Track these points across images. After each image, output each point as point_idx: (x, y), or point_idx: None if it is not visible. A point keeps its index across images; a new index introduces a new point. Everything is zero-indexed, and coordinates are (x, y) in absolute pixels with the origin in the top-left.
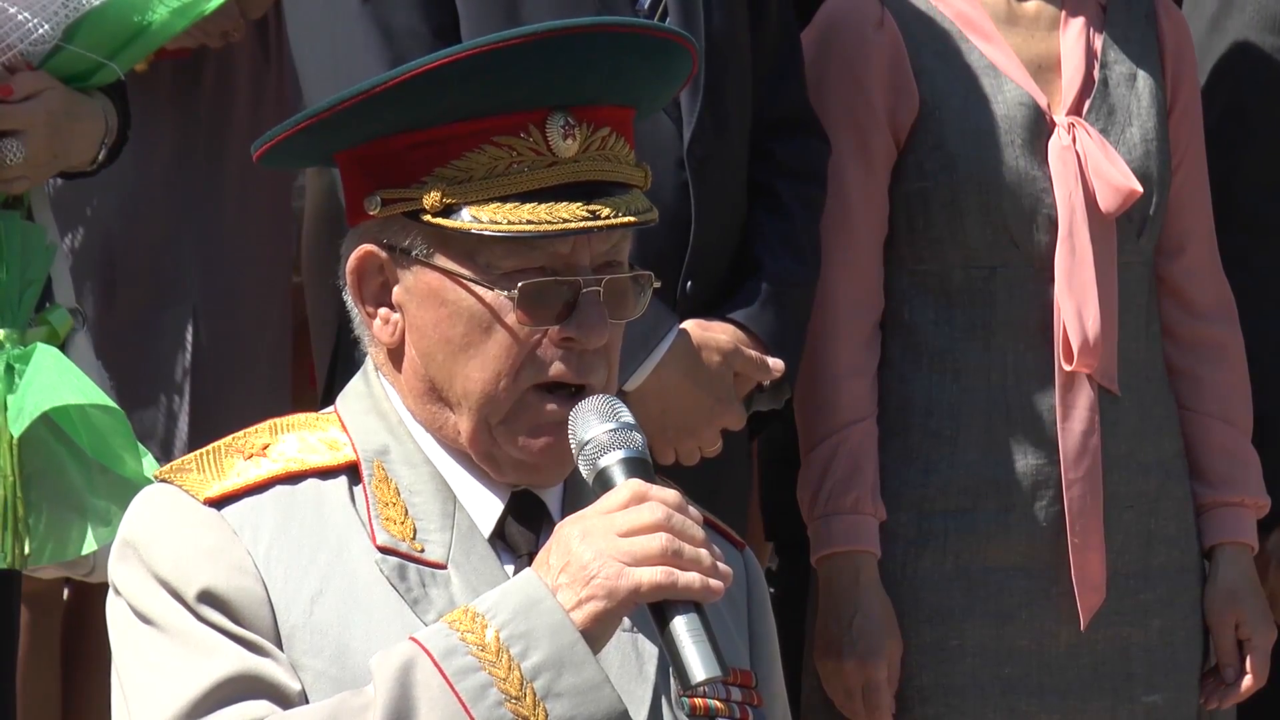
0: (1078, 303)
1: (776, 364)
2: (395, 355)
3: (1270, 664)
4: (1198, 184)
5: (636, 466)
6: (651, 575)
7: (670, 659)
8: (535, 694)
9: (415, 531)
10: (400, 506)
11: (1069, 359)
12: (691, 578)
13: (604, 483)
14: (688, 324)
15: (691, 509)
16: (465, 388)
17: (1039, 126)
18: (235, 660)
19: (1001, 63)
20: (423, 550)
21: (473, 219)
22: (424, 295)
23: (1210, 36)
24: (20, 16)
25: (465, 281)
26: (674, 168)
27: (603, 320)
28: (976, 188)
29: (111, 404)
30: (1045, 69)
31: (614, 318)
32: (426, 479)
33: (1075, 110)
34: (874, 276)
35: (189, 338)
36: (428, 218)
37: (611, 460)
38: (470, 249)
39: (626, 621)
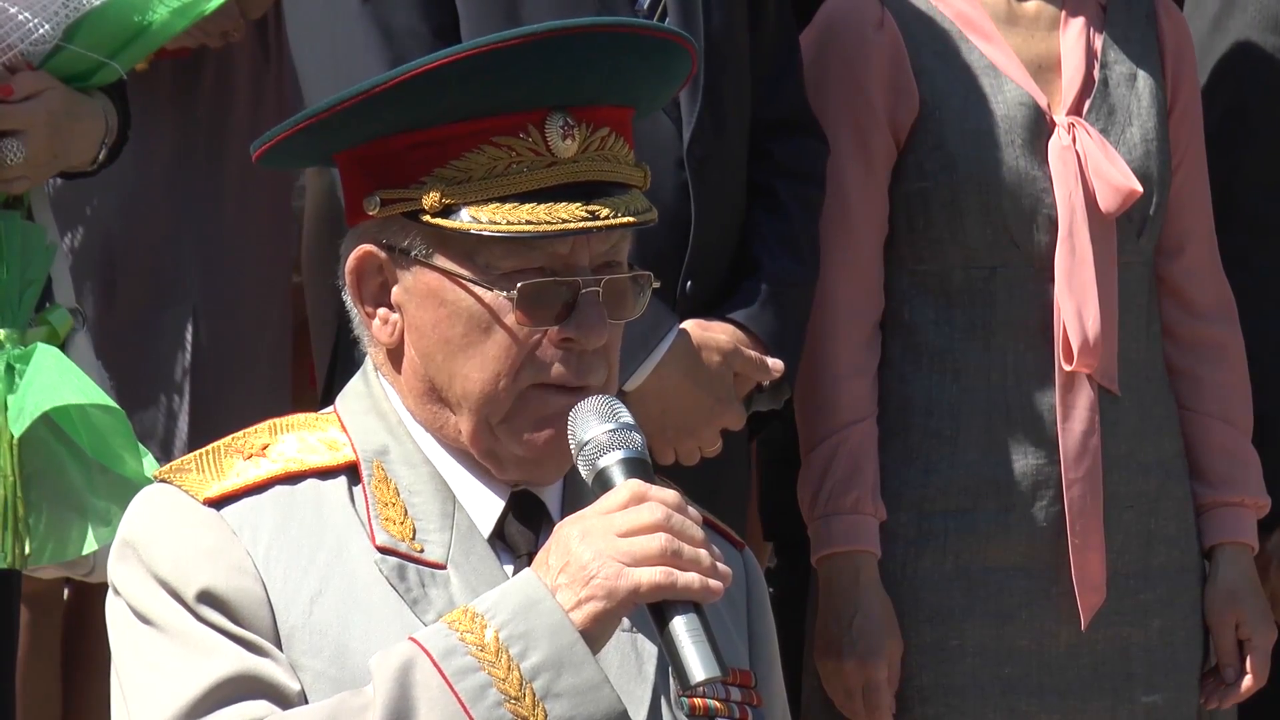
0: (1078, 303)
1: (776, 364)
2: (394, 355)
3: (1270, 664)
4: (1198, 184)
5: (636, 467)
6: (651, 575)
7: (669, 659)
8: (534, 694)
9: (415, 532)
10: (400, 507)
11: (1069, 359)
12: (691, 578)
13: (603, 483)
14: (688, 324)
15: (691, 509)
16: (465, 388)
17: (1039, 126)
18: (234, 660)
19: (1001, 63)
20: (422, 550)
21: (472, 219)
22: (423, 295)
23: (1212, 36)
24: (21, 16)
25: (464, 282)
26: (674, 168)
27: (602, 321)
28: (976, 188)
29: (112, 404)
30: (1045, 69)
31: (613, 318)
32: (426, 479)
33: (1075, 110)
34: (874, 276)
35: (189, 338)
36: (427, 218)
37: (611, 460)
38: (469, 249)
39: (626, 622)
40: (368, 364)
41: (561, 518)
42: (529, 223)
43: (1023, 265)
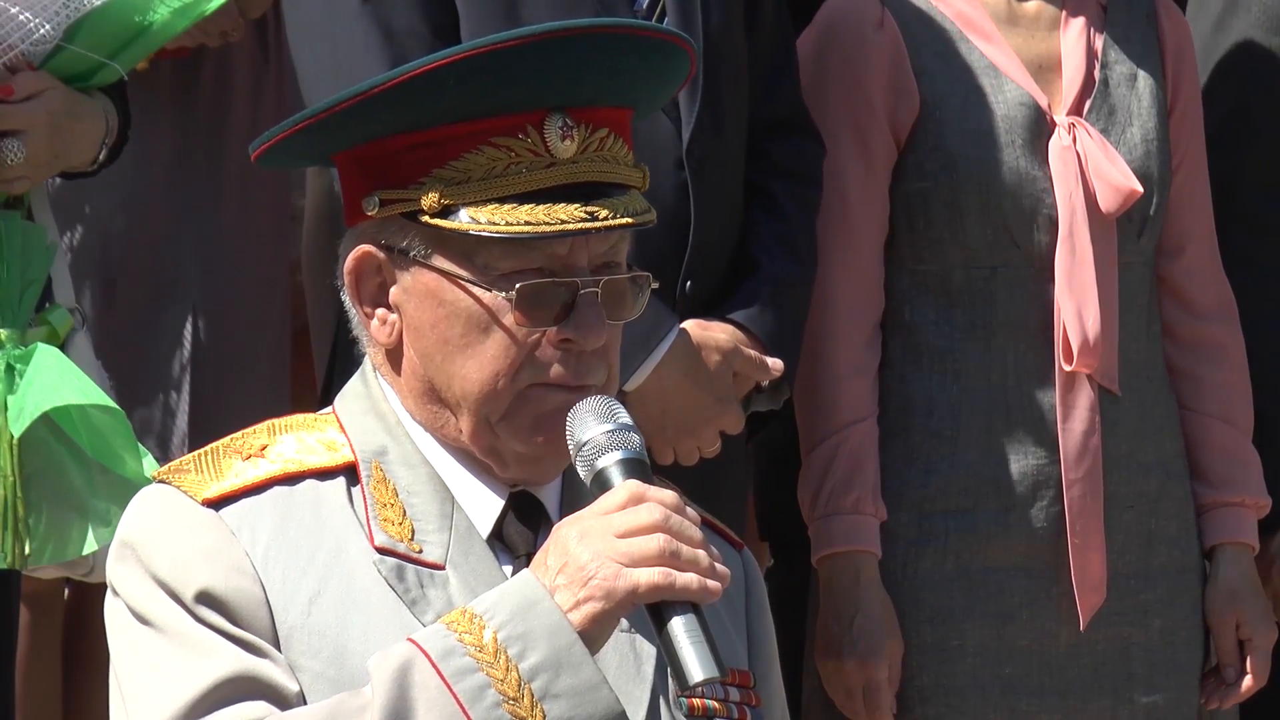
0: (1078, 303)
1: (776, 364)
2: (393, 356)
3: (1271, 664)
4: (1198, 184)
5: (634, 467)
6: (649, 576)
7: (668, 660)
8: (533, 695)
9: (413, 532)
10: (398, 507)
11: (1069, 359)
12: (689, 578)
13: (602, 484)
14: (688, 324)
15: (689, 510)
16: (464, 389)
17: (1039, 126)
18: (233, 661)
19: (1002, 63)
20: (421, 551)
21: (471, 220)
22: (422, 296)
23: (1215, 36)
24: (22, 16)
25: (463, 282)
26: (673, 168)
27: (601, 321)
28: (977, 188)
29: (112, 404)
30: (1046, 69)
31: (612, 319)
32: (424, 480)
33: (1076, 110)
34: (874, 277)
35: (189, 337)
36: (426, 218)
37: (609, 461)
38: (468, 250)
39: (624, 622)
40: (366, 364)
41: (560, 518)
42: (528, 223)
43: (1023, 265)
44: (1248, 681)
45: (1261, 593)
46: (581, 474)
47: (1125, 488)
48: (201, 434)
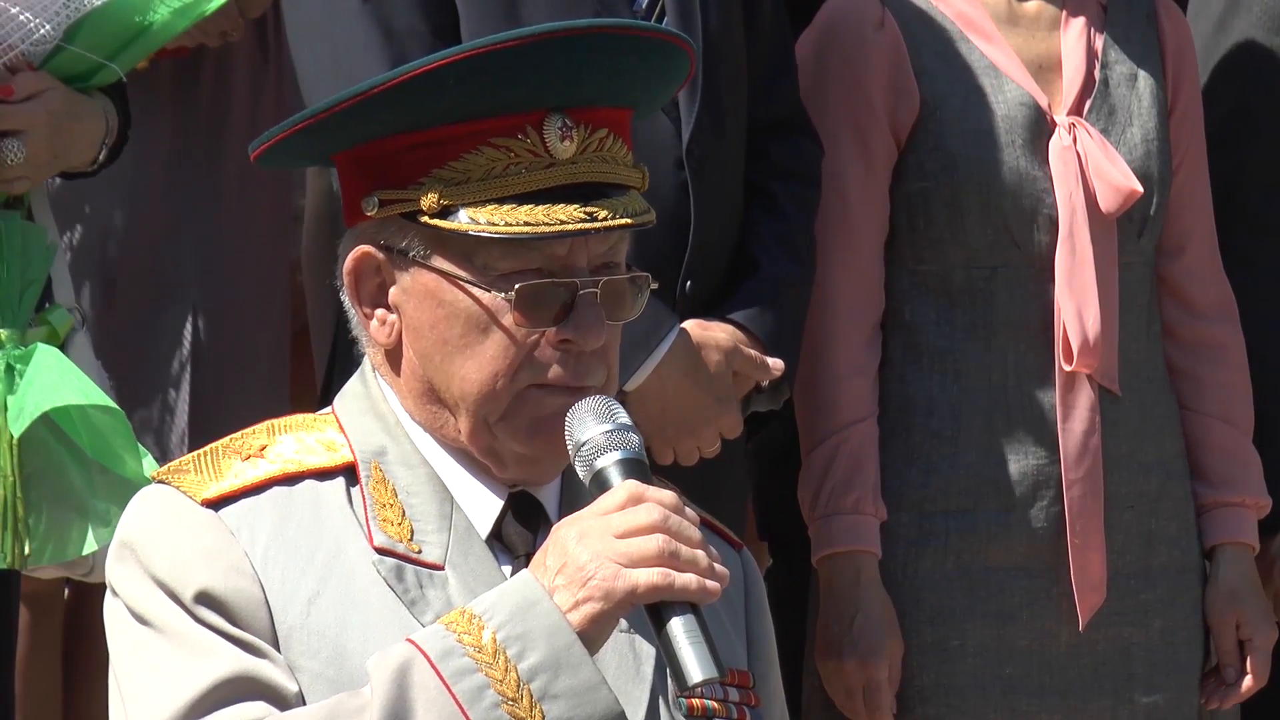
0: (1078, 303)
1: (776, 363)
2: (393, 356)
3: (1271, 664)
4: (1198, 184)
5: (633, 468)
6: (648, 576)
7: (667, 660)
8: (532, 695)
9: (413, 532)
10: (398, 507)
11: (1069, 359)
12: (688, 579)
13: (601, 484)
14: (688, 324)
15: (688, 510)
16: (463, 389)
17: (1039, 126)
18: (232, 661)
19: (1002, 63)
20: (420, 551)
21: (470, 220)
22: (421, 296)
23: (1216, 36)
24: (22, 17)
25: (462, 283)
26: (673, 167)
27: (600, 322)
28: (977, 188)
29: (112, 404)
30: (1046, 69)
31: (611, 319)
32: (424, 480)
33: (1076, 110)
34: (875, 276)
35: (188, 337)
36: (425, 219)
37: (608, 461)
38: (467, 250)
39: (624, 623)
40: (366, 365)
41: (559, 518)
42: (527, 224)
43: (1023, 265)
44: (1248, 682)
45: (1262, 593)
46: (580, 474)
47: (1125, 488)
48: (201, 434)
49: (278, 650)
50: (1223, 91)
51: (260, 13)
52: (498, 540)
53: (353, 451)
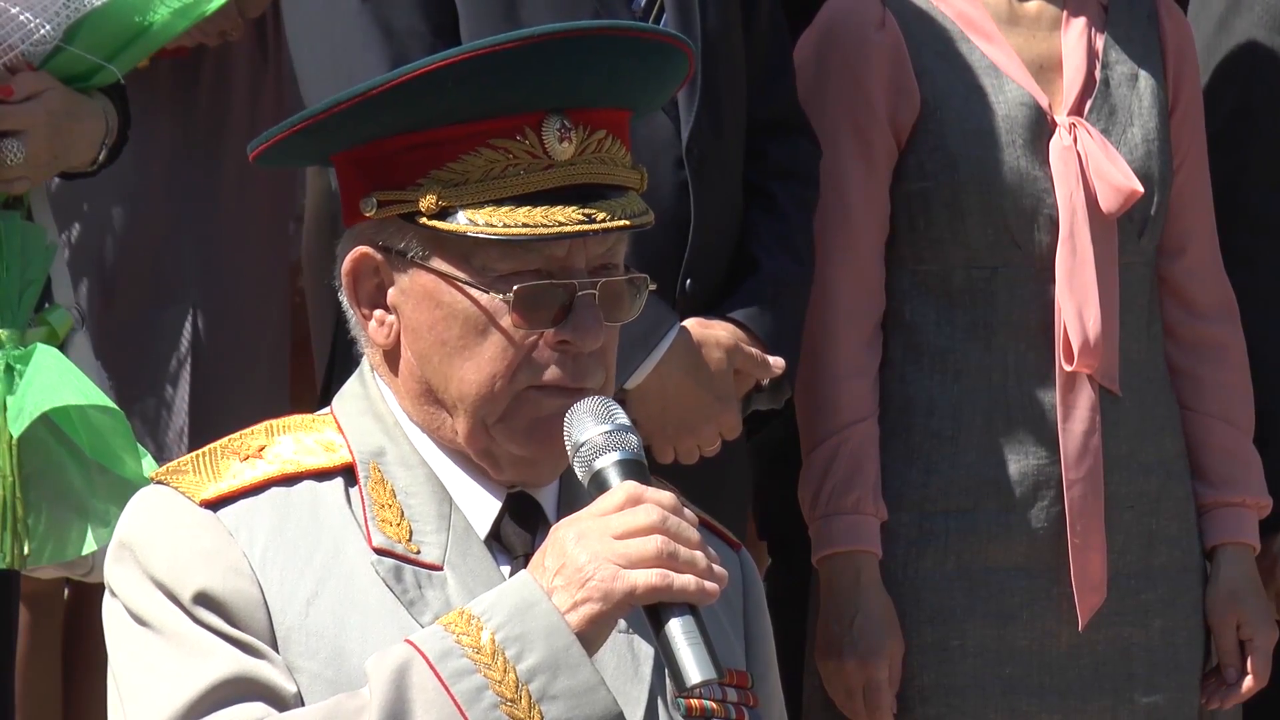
0: (1078, 303)
1: (777, 362)
2: (391, 357)
3: (1272, 664)
4: (1199, 184)
5: (632, 468)
6: (647, 577)
7: (665, 661)
8: (531, 696)
9: (411, 533)
10: (396, 508)
11: (1069, 359)
12: (687, 580)
13: (599, 485)
14: (689, 322)
15: (686, 511)
16: (461, 390)
17: (1040, 126)
18: (231, 662)
19: (1003, 63)
20: (419, 552)
21: (468, 222)
22: (419, 297)
23: (1218, 36)
24: (22, 17)
25: (461, 284)
26: (673, 167)
27: (598, 323)
28: (978, 188)
29: (111, 405)
30: (1046, 69)
31: (609, 320)
32: (422, 480)
33: (1076, 110)
34: (875, 276)
35: (188, 337)
36: (424, 220)
37: (607, 462)
38: (466, 251)
39: (622, 623)
40: (364, 365)
41: (558, 519)
42: (525, 226)
43: (1024, 265)
44: (1248, 682)
45: (1262, 593)
46: (579, 475)
47: (1126, 488)
48: (201, 434)
49: (276, 651)
50: (1224, 91)
51: (260, 12)
52: (496, 541)
53: (351, 452)
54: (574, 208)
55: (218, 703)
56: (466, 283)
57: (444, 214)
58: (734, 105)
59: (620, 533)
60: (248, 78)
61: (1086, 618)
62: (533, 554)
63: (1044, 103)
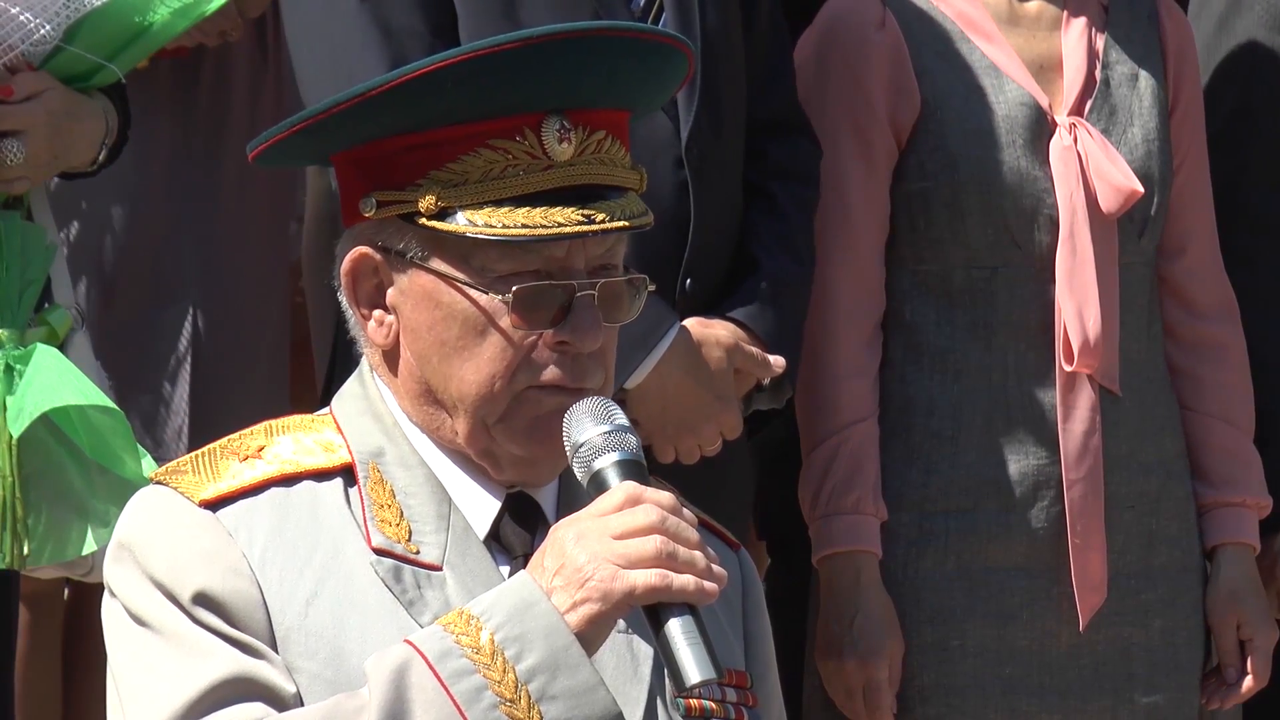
0: (1078, 303)
1: (778, 361)
2: (390, 357)
3: (1272, 665)
4: (1199, 184)
5: (631, 469)
6: (646, 578)
7: (665, 661)
8: (530, 696)
9: (410, 533)
10: (395, 508)
11: (1069, 359)
12: (686, 580)
13: (598, 485)
14: (689, 322)
15: (685, 511)
16: (460, 390)
17: (1040, 127)
18: (230, 662)
19: (1003, 63)
20: (418, 552)
21: (468, 222)
22: (419, 298)
23: (1218, 36)
24: (23, 17)
25: (460, 285)
26: (672, 167)
27: (597, 324)
28: (978, 188)
29: (111, 405)
30: (1047, 69)
31: (608, 321)
32: (422, 481)
33: (1077, 110)
34: (875, 277)
35: (188, 337)
36: (423, 220)
37: (606, 463)
38: (465, 252)
39: (621, 623)
40: (363, 365)
41: (557, 519)
42: (525, 226)
43: (1024, 265)
44: (1249, 682)
45: (1263, 593)
46: (578, 475)
47: (1126, 488)
48: (201, 434)
49: (275, 651)
50: (1224, 91)
51: (259, 13)
52: (495, 541)
53: (350, 452)
54: (573, 208)
55: (217, 703)
56: (466, 283)
57: (443, 214)
58: (734, 105)
59: (619, 533)
60: (248, 78)
61: (1087, 618)
62: (532, 554)
63: (1044, 103)
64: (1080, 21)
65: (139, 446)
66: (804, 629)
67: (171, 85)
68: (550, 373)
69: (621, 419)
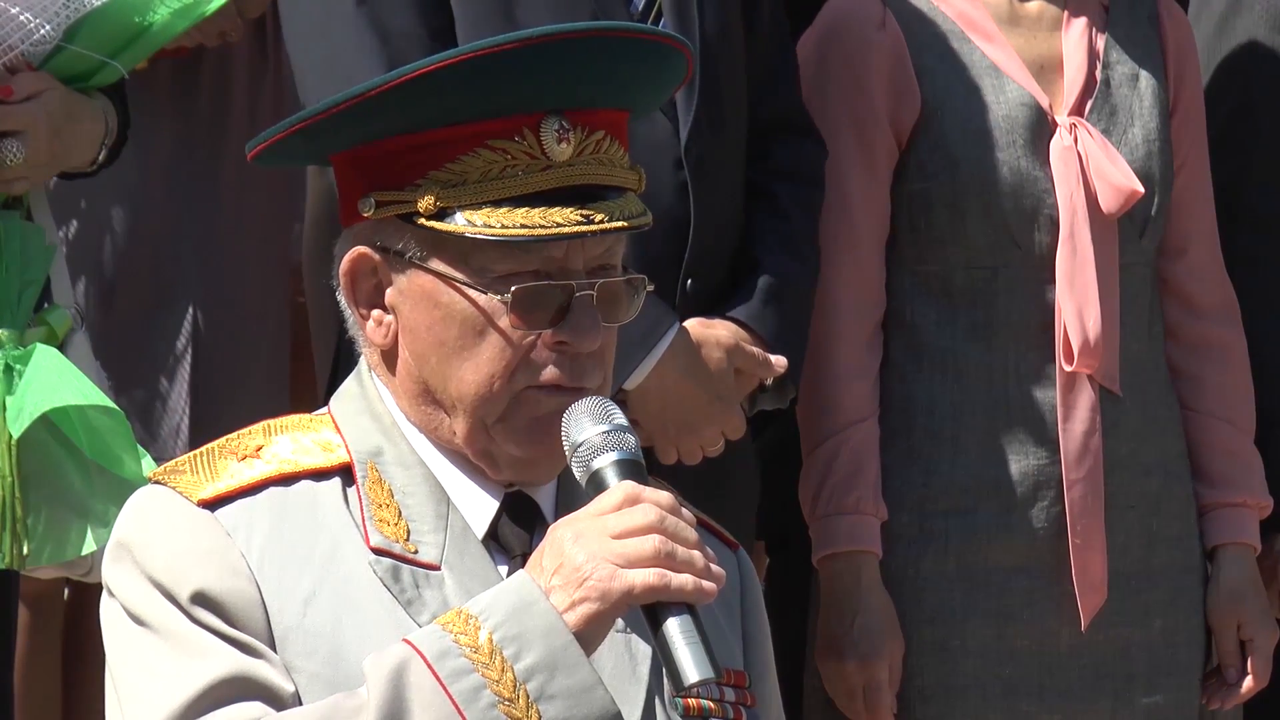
0: (1079, 303)
1: (779, 360)
2: (389, 357)
3: (1272, 665)
4: (1200, 184)
5: (629, 468)
6: (644, 577)
7: (663, 661)
8: (528, 696)
9: (409, 533)
10: (394, 508)
11: (1069, 360)
12: (684, 579)
13: (597, 485)
14: (689, 322)
15: (684, 510)
16: (459, 390)
17: (1041, 127)
18: (229, 662)
19: (1003, 63)
20: (416, 551)
21: (466, 223)
22: (418, 298)
23: (1219, 36)
24: (23, 17)
25: (459, 285)
26: (672, 167)
27: (596, 324)
28: (978, 188)
29: (111, 405)
30: (1047, 69)
31: (607, 321)
32: (420, 480)
33: (1077, 111)
34: (876, 277)
35: (188, 337)
36: (422, 221)
37: (605, 462)
38: (464, 252)
39: (620, 623)
40: (362, 365)
41: (555, 519)
42: (523, 226)
43: (1024, 266)
44: (1249, 682)
45: (1263, 593)
46: (577, 475)
47: (1127, 488)
48: (201, 433)
49: (274, 650)
50: (1225, 91)
51: (259, 13)
52: (494, 541)
53: (349, 452)
54: (572, 209)
55: (216, 702)
56: (465, 283)
57: (442, 214)
58: (733, 105)
59: (618, 532)
60: (248, 78)
61: (1088, 618)
62: (530, 554)
63: (1044, 103)
64: (1081, 21)
65: (139, 447)
66: (804, 629)
67: (171, 86)
68: (549, 373)
69: (620, 418)
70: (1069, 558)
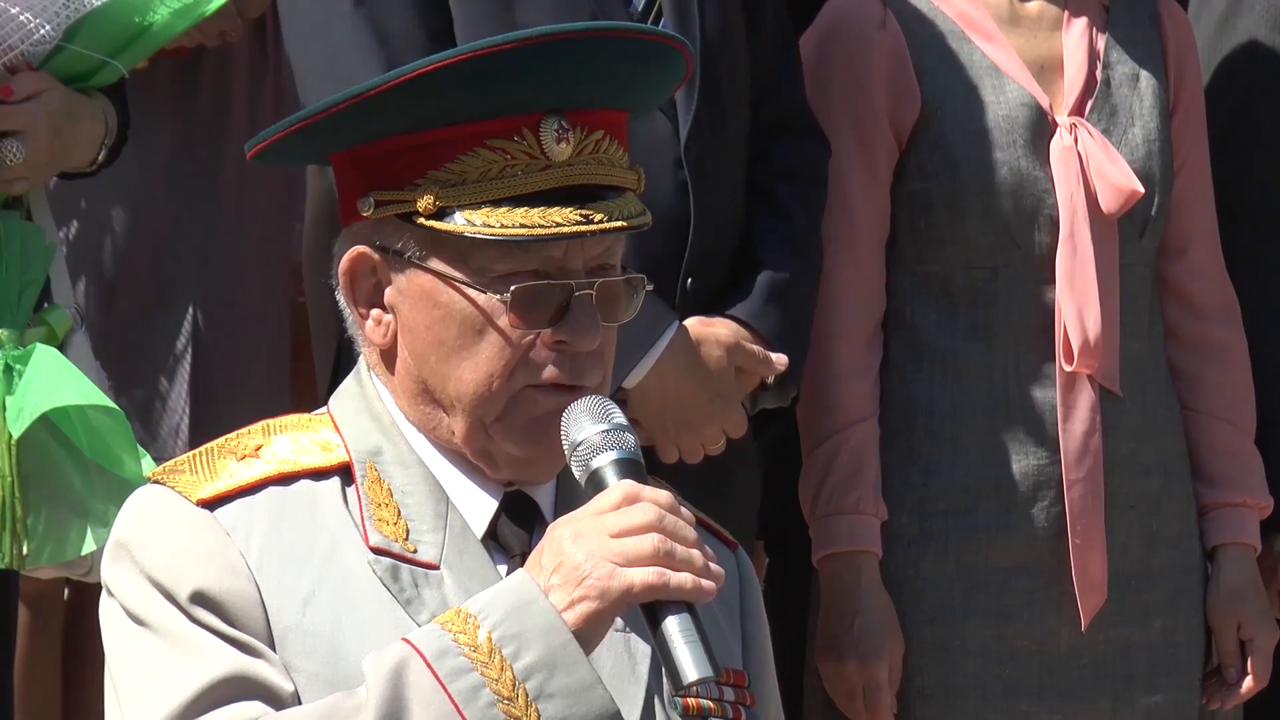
0: (1079, 303)
1: (780, 359)
2: (388, 356)
3: (1272, 665)
4: (1200, 184)
5: (629, 467)
6: (643, 576)
7: (662, 660)
8: (528, 695)
9: (408, 532)
10: (393, 507)
11: (1069, 360)
12: (683, 578)
13: (596, 484)
14: (689, 321)
15: (683, 509)
16: (458, 390)
17: (1041, 127)
18: (228, 661)
19: (1004, 63)
20: (415, 551)
21: (466, 222)
22: (417, 297)
23: (1219, 36)
24: (22, 17)
25: (458, 284)
26: (672, 166)
27: (595, 324)
28: (978, 188)
29: (111, 405)
30: (1047, 69)
31: (606, 321)
32: (419, 480)
33: (1077, 111)
34: (876, 277)
35: (189, 337)
36: (421, 220)
37: (604, 461)
38: (463, 252)
39: (619, 622)
40: (361, 364)
41: (554, 518)
42: (523, 226)
43: (1024, 266)
44: (1249, 682)
45: (1263, 593)
46: (576, 474)
47: (1127, 488)
48: (201, 433)
49: (273, 650)
50: (1225, 91)
51: (259, 13)
52: (493, 540)
53: (348, 451)
54: (571, 208)
55: (215, 702)
56: (464, 283)
57: (441, 214)
58: (734, 105)
59: (617, 531)
60: (248, 78)
61: (1088, 618)
62: (529, 553)
63: (1045, 103)
64: (1081, 22)
65: (139, 447)
66: (804, 629)
67: (171, 86)
68: (548, 372)
69: (619, 418)
70: (1069, 558)
